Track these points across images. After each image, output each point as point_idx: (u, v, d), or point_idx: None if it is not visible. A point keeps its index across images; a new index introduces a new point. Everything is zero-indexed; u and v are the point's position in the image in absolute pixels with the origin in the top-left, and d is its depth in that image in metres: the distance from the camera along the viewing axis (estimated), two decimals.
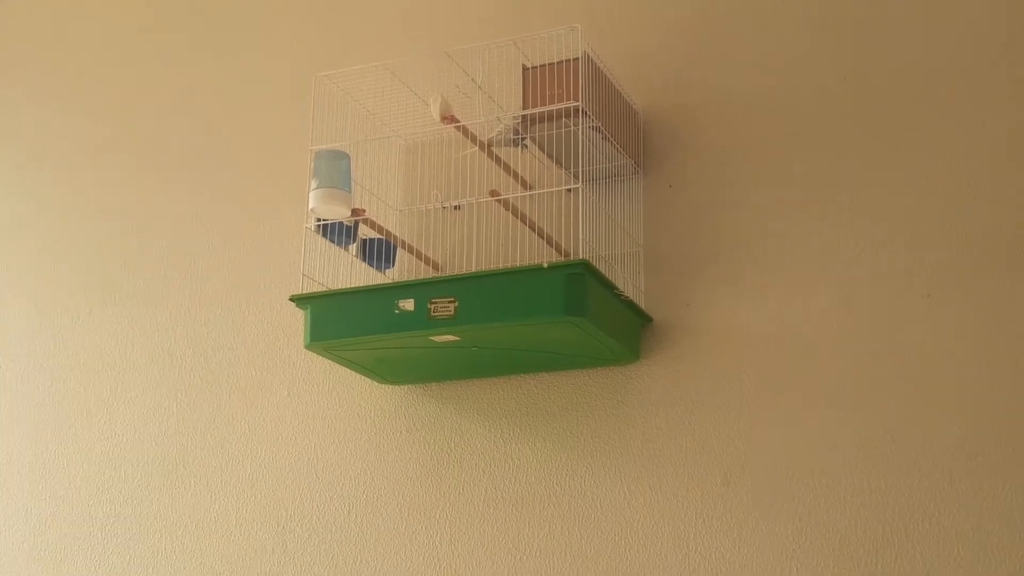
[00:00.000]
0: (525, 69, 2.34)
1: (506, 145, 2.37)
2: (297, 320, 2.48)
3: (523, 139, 2.33)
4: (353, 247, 2.40)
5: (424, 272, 2.46)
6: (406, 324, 2.24)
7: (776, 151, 2.41)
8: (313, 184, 2.33)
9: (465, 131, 2.36)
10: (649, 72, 2.51)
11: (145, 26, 3.05)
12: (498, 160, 2.40)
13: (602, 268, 2.25)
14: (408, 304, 2.23)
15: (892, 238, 2.30)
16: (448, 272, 2.43)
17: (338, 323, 2.31)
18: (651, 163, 2.46)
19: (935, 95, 2.34)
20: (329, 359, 2.40)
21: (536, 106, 2.29)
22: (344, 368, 2.48)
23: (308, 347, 2.34)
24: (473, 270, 2.30)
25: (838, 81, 2.40)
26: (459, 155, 2.42)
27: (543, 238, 2.35)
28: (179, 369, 2.72)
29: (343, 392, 2.57)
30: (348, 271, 2.42)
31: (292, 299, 2.35)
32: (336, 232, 2.37)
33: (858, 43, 2.42)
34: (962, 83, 2.33)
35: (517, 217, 2.33)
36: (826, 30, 2.44)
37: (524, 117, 2.32)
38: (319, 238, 2.38)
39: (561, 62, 2.30)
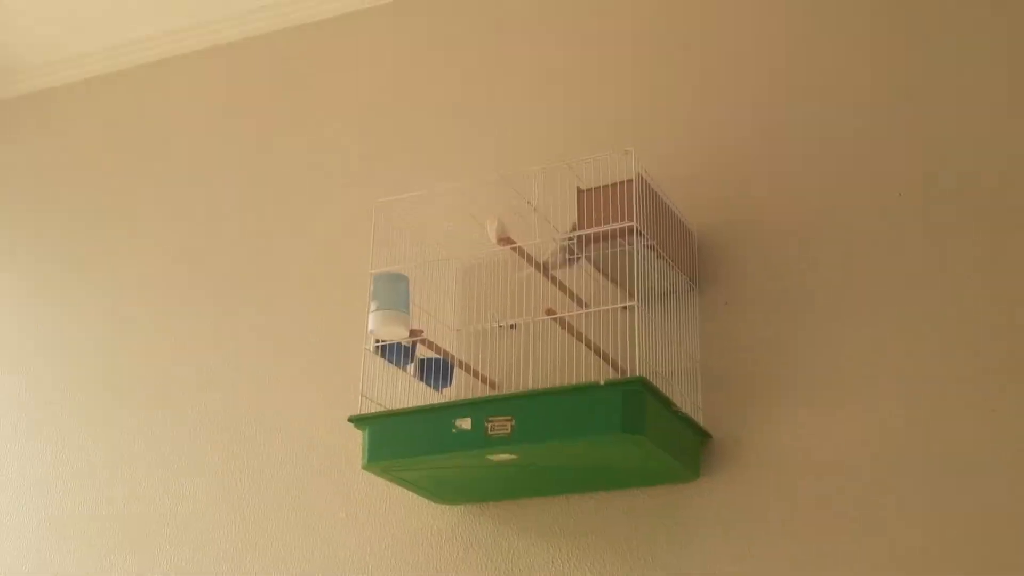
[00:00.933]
0: (580, 191, 2.38)
1: (561, 266, 2.40)
2: (356, 441, 2.49)
3: (578, 258, 2.36)
4: (411, 367, 2.42)
5: (481, 391, 2.47)
6: (464, 443, 2.24)
7: (831, 269, 2.42)
8: (373, 306, 2.35)
9: (521, 252, 2.39)
10: (704, 192, 2.54)
11: (212, 149, 3.14)
12: (554, 280, 2.42)
13: (659, 385, 2.24)
14: (465, 423, 2.24)
15: (953, 352, 2.29)
16: (505, 391, 2.44)
17: (396, 443, 2.32)
18: (707, 280, 2.48)
19: (991, 207, 2.35)
20: (387, 479, 2.41)
21: (591, 226, 2.32)
22: (401, 488, 2.48)
23: (366, 468, 2.34)
24: (530, 388, 2.32)
25: (893, 196, 2.42)
26: (516, 276, 2.44)
27: (599, 355, 2.35)
28: (238, 491, 2.74)
29: (401, 513, 2.56)
30: (406, 391, 2.43)
31: (351, 420, 2.36)
32: (394, 352, 2.40)
33: (911, 160, 2.44)
34: (1015, 192, 2.35)
35: (573, 335, 2.34)
36: (878, 147, 2.47)
37: (580, 237, 2.34)
38: (378, 359, 2.40)
39: (615, 184, 2.33)
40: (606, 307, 2.34)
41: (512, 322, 2.39)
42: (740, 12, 2.70)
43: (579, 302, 2.42)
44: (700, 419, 2.37)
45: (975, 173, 2.38)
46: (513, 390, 2.36)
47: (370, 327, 2.37)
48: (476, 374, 2.48)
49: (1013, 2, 2.47)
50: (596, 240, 2.34)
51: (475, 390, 2.49)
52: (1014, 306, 2.28)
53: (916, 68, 2.51)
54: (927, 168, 2.42)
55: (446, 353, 2.44)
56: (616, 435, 2.16)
